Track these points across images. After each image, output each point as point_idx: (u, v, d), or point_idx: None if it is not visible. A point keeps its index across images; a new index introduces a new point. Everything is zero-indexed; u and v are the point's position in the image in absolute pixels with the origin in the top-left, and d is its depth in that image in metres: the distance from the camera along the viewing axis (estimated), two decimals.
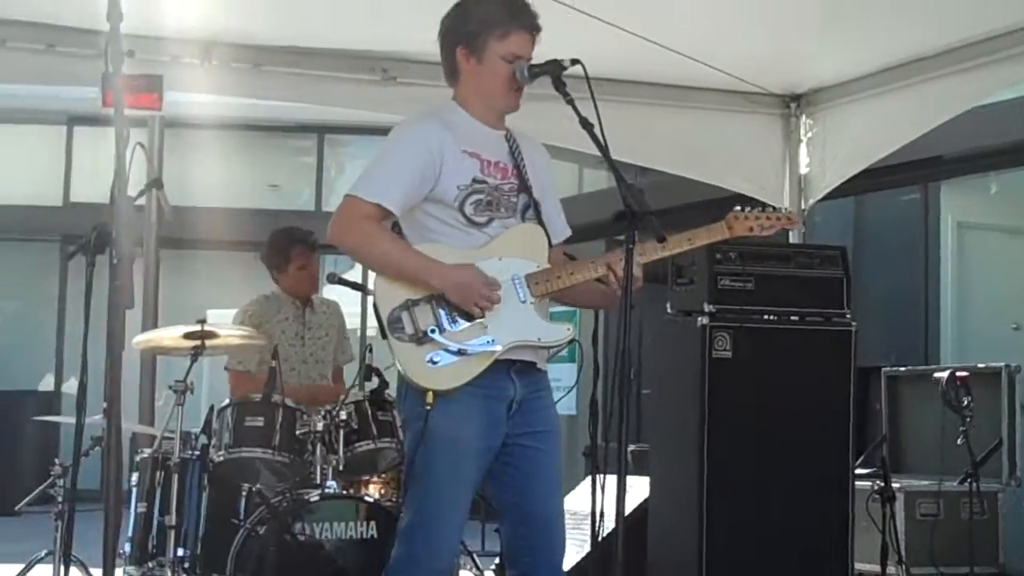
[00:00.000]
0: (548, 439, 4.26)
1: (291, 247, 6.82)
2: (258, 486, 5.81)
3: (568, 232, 4.45)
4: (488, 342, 4.10)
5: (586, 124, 4.05)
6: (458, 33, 4.28)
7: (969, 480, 8.36)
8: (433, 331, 4.08)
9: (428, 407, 4.05)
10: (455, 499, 4.15)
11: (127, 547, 5.90)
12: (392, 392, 6.00)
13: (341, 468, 5.80)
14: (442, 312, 4.10)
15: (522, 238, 4.21)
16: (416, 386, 4.10)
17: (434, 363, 4.08)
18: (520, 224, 4.23)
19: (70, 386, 16.15)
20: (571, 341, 4.28)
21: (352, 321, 13.44)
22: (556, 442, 4.30)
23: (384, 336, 4.14)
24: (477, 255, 4.15)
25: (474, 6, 4.27)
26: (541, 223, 4.25)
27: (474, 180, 4.17)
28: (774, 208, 4.46)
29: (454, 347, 4.07)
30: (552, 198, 4.40)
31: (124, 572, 5.89)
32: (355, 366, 6.67)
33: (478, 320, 4.10)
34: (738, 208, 4.38)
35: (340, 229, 4.18)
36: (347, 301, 7.32)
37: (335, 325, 6.91)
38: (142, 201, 6.29)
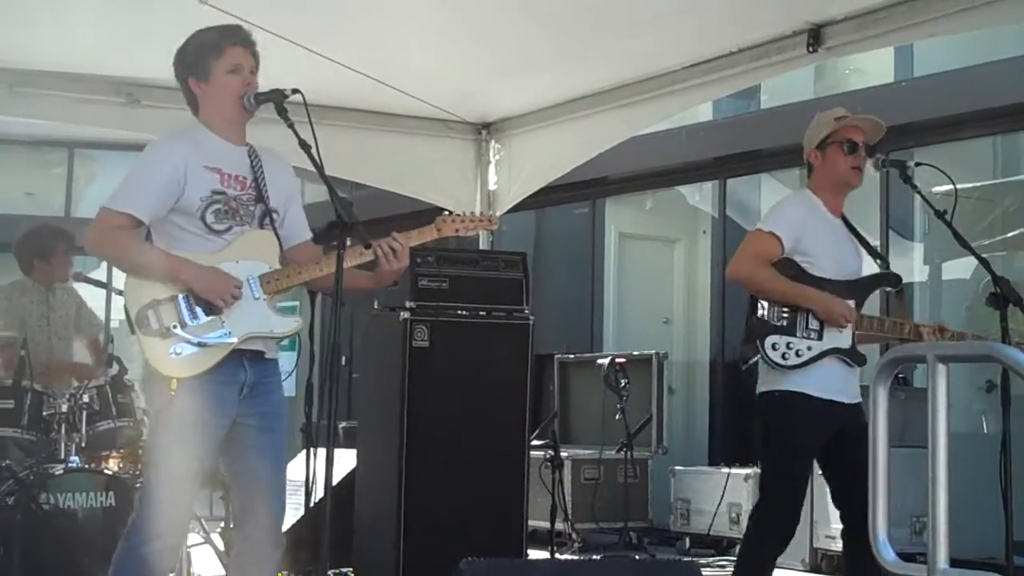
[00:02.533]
0: (273, 419, 4.21)
1: (55, 241, 6.61)
2: (7, 462, 5.60)
3: (310, 234, 4.38)
4: (225, 334, 4.04)
5: (304, 145, 4.02)
6: (185, 66, 4.23)
7: (625, 449, 8.67)
8: (175, 327, 4.00)
9: (172, 392, 3.97)
10: (186, 471, 4.08)
11: None
12: (131, 377, 5.88)
13: (84, 445, 5.68)
14: (184, 310, 4.03)
15: (256, 243, 4.15)
16: (161, 375, 4.02)
17: (177, 354, 4.00)
18: (254, 231, 4.17)
19: None
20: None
21: (100, 314, 13.03)
22: (281, 422, 4.26)
23: (133, 331, 4.05)
24: (216, 259, 4.08)
25: (191, 39, 4.24)
26: (274, 230, 4.20)
27: (213, 192, 4.10)
28: (473, 213, 4.52)
29: (195, 340, 4.00)
30: (296, 206, 4.36)
31: None
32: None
33: (216, 316, 4.04)
34: (446, 212, 4.41)
35: (94, 238, 4.10)
36: (92, 296, 7.12)
37: (75, 304, 6.74)
38: None
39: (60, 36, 6.17)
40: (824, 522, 7.65)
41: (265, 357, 4.19)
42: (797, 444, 4.75)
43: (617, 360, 8.80)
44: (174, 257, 4.04)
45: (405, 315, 6.16)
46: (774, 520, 4.78)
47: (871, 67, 10.26)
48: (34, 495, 5.34)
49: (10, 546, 5.26)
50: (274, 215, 4.21)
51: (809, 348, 4.73)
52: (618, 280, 12.18)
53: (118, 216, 4.05)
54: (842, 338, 4.75)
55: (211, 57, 4.16)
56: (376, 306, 6.49)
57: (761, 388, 4.84)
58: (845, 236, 4.93)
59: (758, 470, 8.66)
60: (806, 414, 4.72)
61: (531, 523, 6.46)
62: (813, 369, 4.73)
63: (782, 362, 4.72)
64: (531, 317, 6.43)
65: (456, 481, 6.10)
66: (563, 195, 11.06)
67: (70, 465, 5.54)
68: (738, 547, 8.50)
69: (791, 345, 4.73)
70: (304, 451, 4.99)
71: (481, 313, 6.37)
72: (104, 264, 10.48)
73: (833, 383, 4.74)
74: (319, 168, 4.02)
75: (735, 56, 6.29)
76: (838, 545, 7.70)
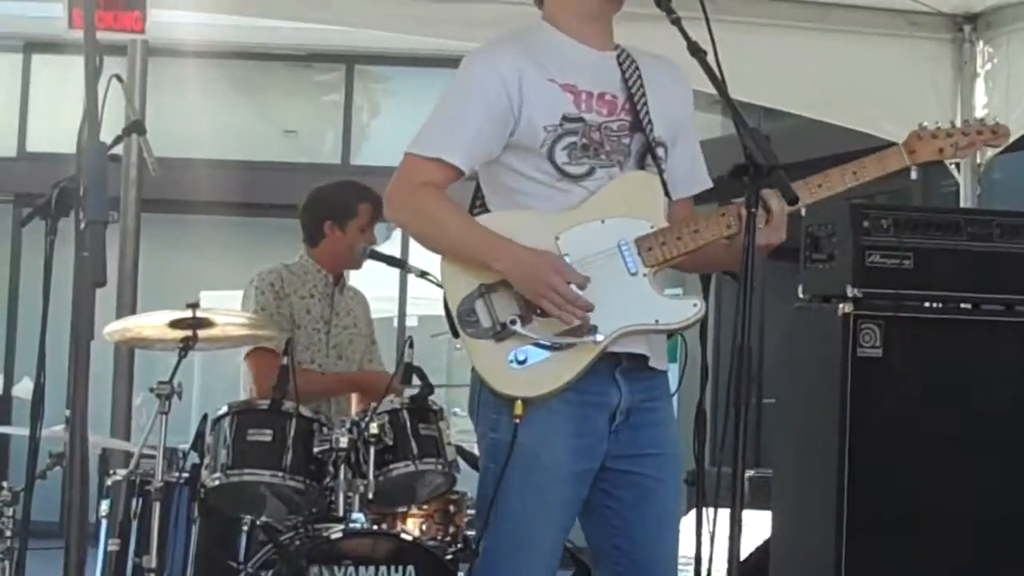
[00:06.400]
0: (662, 464, 4.26)
1: (359, 202, 6.81)
2: (264, 519, 5.83)
3: (706, 184, 4.40)
4: (589, 331, 4.05)
5: (697, 51, 4.01)
6: None
7: None
8: (515, 321, 4.07)
9: (516, 420, 4.05)
10: (541, 535, 4.18)
11: None
12: (437, 399, 6.00)
13: (371, 496, 5.73)
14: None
15: (631, 191, 4.19)
16: (498, 393, 4.11)
17: (520, 363, 4.08)
18: (630, 173, 4.20)
19: (23, 388, 16.22)
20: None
21: (388, 308, 13.42)
22: (673, 468, 4.31)
23: (456, 333, 4.15)
24: (572, 217, 4.13)
25: None
26: (660, 170, 4.22)
27: (564, 118, 4.15)
28: (967, 122, 4.37)
29: (544, 340, 4.06)
30: (688, 137, 4.40)
31: None
32: None
33: None
34: (923, 124, 4.29)
35: (395, 196, 4.24)
36: (382, 285, 7.33)
37: (363, 318, 6.96)
38: (119, 150, 6.25)
39: None
40: None
41: (649, 366, 4.22)
42: None
43: None
44: (487, 235, 4.13)
45: (846, 309, 6.13)
46: None
47: None
48: (302, 569, 5.47)
49: None
50: (659, 151, 4.22)
51: None
52: None
53: (425, 165, 4.16)
54: None
55: None
56: (801, 295, 6.45)
57: None
58: None
59: None
60: None
61: None
62: None
63: None
64: None
65: (929, 559, 6.04)
66: None
67: (352, 526, 5.63)
68: None
69: None
70: (693, 511, 4.99)
71: (965, 306, 6.30)
72: (398, 232, 10.81)
73: None
74: (719, 83, 4.02)
75: None
76: None
